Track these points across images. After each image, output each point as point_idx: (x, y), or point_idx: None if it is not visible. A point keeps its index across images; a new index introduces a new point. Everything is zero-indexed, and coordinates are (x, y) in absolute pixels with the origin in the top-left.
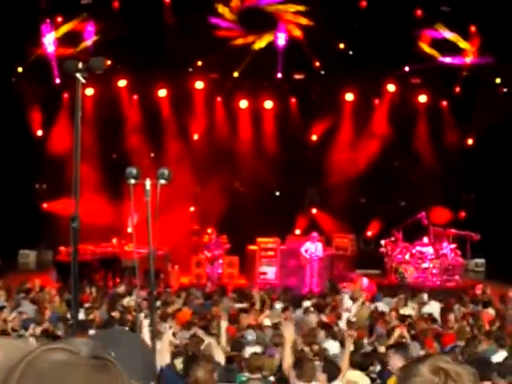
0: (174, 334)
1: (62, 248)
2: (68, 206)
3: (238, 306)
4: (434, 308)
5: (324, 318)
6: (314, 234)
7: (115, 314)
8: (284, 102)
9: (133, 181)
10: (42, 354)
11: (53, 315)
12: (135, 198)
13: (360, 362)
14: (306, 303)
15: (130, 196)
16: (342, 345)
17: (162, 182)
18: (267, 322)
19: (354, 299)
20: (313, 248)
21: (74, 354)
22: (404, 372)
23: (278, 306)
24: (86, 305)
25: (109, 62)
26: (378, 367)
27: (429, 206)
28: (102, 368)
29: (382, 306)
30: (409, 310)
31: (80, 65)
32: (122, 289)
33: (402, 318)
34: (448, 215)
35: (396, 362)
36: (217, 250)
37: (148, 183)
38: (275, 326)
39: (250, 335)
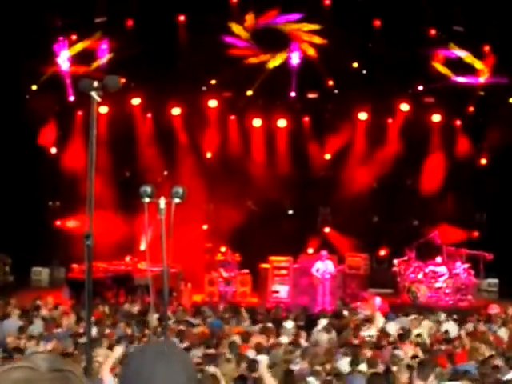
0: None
1: (74, 265)
2: (81, 223)
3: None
4: (450, 327)
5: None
6: (324, 252)
7: (128, 331)
8: (297, 121)
9: (147, 199)
10: (2, 375)
11: (61, 333)
12: (148, 216)
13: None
14: (323, 322)
15: (145, 214)
16: (353, 362)
17: (177, 200)
18: (284, 339)
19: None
20: (323, 267)
21: (33, 370)
22: None
23: (289, 324)
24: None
25: (123, 80)
26: None
27: (442, 225)
28: (62, 380)
29: (393, 325)
30: (422, 330)
31: (95, 83)
32: (134, 307)
33: (415, 338)
34: (461, 235)
35: None
36: (233, 270)
37: (162, 202)
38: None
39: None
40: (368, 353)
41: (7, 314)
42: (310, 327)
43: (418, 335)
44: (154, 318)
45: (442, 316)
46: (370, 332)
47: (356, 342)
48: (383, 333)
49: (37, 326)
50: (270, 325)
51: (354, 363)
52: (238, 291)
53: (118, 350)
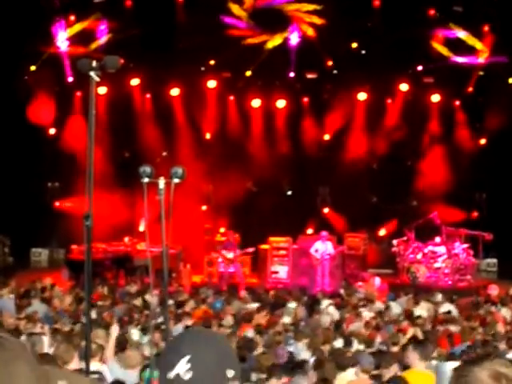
0: None
1: (74, 246)
2: (80, 204)
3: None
4: (448, 308)
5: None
6: (324, 233)
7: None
8: (296, 101)
9: (146, 179)
10: None
11: (60, 312)
12: (148, 197)
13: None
14: (325, 302)
15: (144, 195)
16: (347, 343)
17: (176, 180)
18: (287, 319)
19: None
20: (323, 247)
21: None
22: (459, 377)
23: (291, 305)
24: (99, 303)
25: (121, 61)
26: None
27: (441, 205)
28: None
29: (394, 305)
30: (422, 311)
31: (94, 63)
32: (133, 288)
33: (414, 318)
34: (460, 215)
35: (413, 359)
36: (235, 250)
37: (162, 182)
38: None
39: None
40: (366, 333)
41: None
42: (312, 308)
43: (419, 316)
44: (153, 298)
45: (439, 297)
46: (369, 312)
47: (357, 322)
48: (384, 313)
49: (35, 307)
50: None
51: (347, 344)
52: (233, 272)
53: (115, 331)
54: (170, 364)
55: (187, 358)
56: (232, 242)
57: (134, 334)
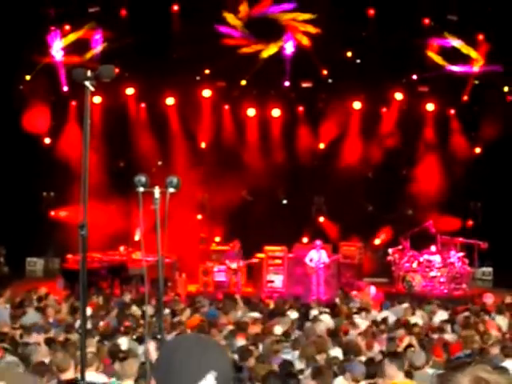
0: None
1: (69, 256)
2: (75, 213)
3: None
4: (442, 317)
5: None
6: (318, 242)
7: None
8: (291, 110)
9: (141, 189)
10: None
11: (54, 322)
12: (143, 206)
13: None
14: (314, 311)
15: (139, 204)
16: (345, 353)
17: (171, 190)
18: (279, 330)
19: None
20: (317, 256)
21: None
22: (442, 382)
23: (292, 315)
24: (91, 313)
25: (116, 70)
26: None
27: (436, 214)
28: None
29: (389, 314)
30: (417, 319)
31: (89, 73)
32: (128, 297)
33: (410, 327)
34: (455, 223)
35: (391, 371)
36: (240, 260)
37: (157, 191)
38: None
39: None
40: (362, 342)
41: None
42: (306, 316)
43: (415, 325)
44: (148, 308)
45: (435, 305)
46: (364, 321)
47: (352, 331)
48: (381, 322)
49: (30, 317)
50: (256, 314)
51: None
52: (232, 281)
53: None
54: (190, 378)
55: (214, 374)
56: (237, 252)
57: (123, 343)
